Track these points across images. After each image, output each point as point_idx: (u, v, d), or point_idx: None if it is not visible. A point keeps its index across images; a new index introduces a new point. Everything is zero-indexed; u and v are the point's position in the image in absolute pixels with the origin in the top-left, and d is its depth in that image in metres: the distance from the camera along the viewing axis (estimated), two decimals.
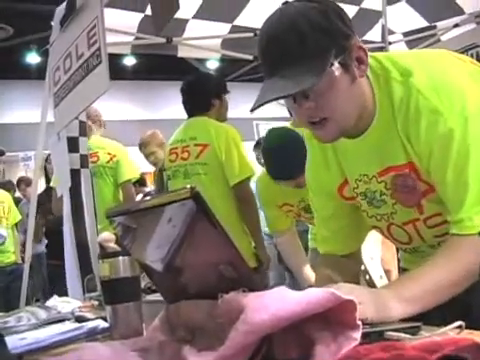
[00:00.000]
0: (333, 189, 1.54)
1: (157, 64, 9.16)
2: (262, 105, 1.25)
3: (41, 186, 5.33)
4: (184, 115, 4.97)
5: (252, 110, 1.27)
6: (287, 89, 1.23)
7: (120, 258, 1.34)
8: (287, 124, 4.36)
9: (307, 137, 1.59)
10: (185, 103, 3.68)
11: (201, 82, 3.66)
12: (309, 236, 3.48)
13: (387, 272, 2.71)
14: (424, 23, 4.90)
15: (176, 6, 2.87)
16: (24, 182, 7.81)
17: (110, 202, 3.99)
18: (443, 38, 5.00)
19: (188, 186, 0.92)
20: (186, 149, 3.52)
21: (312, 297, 0.89)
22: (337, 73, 1.25)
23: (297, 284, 3.33)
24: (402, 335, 1.01)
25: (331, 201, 1.57)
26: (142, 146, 5.05)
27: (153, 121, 11.03)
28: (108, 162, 4.17)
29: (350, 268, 1.61)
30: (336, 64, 1.25)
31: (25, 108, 10.12)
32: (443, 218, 1.35)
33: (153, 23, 3.30)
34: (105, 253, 1.43)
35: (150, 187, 7.21)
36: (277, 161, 2.69)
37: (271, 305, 0.87)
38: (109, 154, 4.19)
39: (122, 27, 4.05)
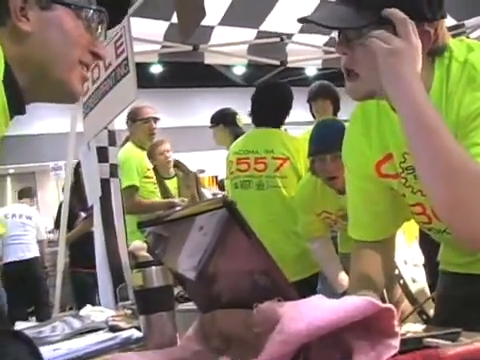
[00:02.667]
0: (370, 168, 1.53)
1: (184, 72, 9.19)
2: (307, 21, 1.31)
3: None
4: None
5: (301, 21, 1.32)
6: (327, 20, 1.30)
7: (153, 267, 1.34)
8: (310, 128, 4.36)
9: (352, 113, 1.61)
10: (259, 113, 3.60)
11: (282, 95, 3.63)
12: (338, 241, 3.47)
13: None
14: (452, 21, 4.84)
15: (202, 13, 2.88)
16: None
17: None
18: (472, 36, 4.95)
19: (220, 196, 0.92)
20: (262, 161, 3.47)
21: (349, 305, 0.87)
22: None
23: (328, 288, 3.32)
24: (441, 342, 0.99)
25: (366, 181, 1.56)
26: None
27: (181, 128, 11.05)
28: None
29: (384, 256, 1.57)
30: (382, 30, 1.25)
31: (55, 118, 10.20)
32: None
33: (180, 31, 3.31)
34: (138, 263, 1.43)
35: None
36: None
37: (308, 314, 0.86)
38: None
39: (148, 36, 4.06)
